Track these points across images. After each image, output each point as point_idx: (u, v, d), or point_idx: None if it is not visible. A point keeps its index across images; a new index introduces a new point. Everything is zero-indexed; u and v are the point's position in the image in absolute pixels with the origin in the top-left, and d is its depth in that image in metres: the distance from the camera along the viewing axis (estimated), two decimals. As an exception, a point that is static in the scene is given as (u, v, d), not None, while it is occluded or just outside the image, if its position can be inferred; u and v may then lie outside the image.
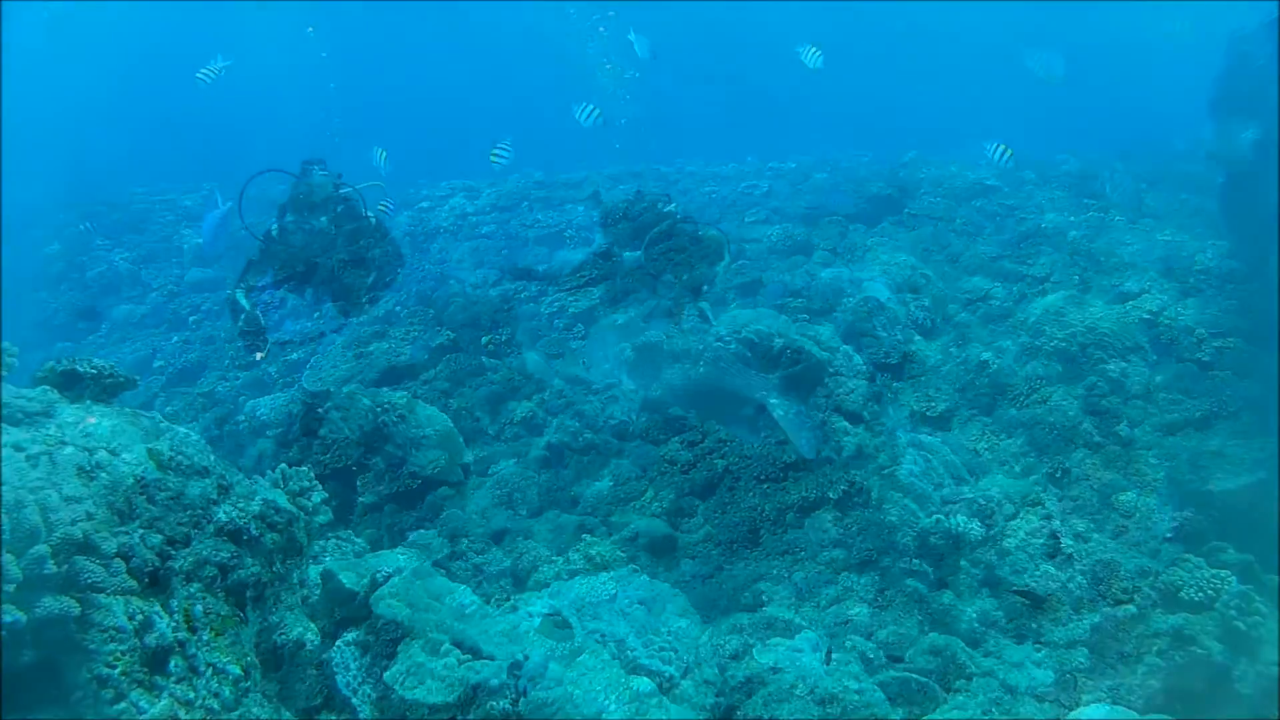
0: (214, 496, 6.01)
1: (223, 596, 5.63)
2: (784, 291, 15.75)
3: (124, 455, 5.64)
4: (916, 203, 19.19)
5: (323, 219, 9.87)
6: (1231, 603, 6.60)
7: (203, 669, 5.10)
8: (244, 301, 10.07)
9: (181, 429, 6.69)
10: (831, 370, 12.24)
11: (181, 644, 4.95)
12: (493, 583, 11.25)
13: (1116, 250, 16.54)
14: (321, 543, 11.58)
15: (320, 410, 11.87)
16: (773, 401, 11.65)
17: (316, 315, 13.62)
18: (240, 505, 6.09)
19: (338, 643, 7.05)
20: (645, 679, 7.74)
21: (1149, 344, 13.69)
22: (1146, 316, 14.05)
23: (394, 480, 11.77)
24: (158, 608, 4.95)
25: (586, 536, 11.26)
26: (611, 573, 10.36)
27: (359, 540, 11.42)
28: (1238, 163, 14.03)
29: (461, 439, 12.66)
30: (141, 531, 5.13)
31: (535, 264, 17.47)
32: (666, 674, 8.54)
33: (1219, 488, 10.05)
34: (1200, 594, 6.89)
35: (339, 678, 6.77)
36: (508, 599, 10.89)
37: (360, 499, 11.52)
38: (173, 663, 4.88)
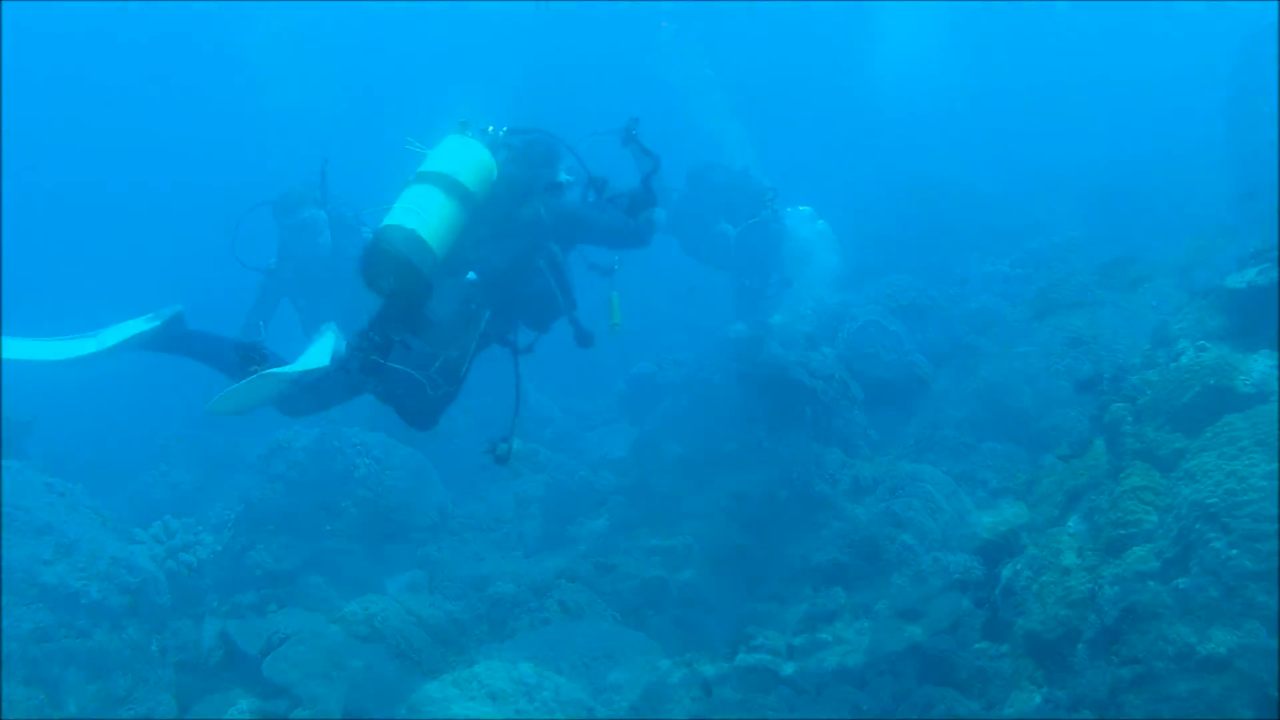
0: (46, 557, 4.84)
1: (21, 675, 4.47)
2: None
3: (-71, 510, 4.57)
4: None
5: (304, 213, 8.33)
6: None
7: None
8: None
9: (41, 477, 5.61)
10: (826, 398, 11.07)
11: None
12: (467, 632, 10.19)
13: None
14: (289, 588, 10.60)
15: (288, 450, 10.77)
16: (759, 434, 10.49)
17: None
18: (81, 566, 4.95)
19: (229, 711, 6.00)
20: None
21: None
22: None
23: (364, 524, 10.66)
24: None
25: (563, 582, 10.13)
26: (583, 622, 9.28)
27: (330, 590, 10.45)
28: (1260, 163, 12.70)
29: (438, 478, 11.53)
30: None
31: None
32: (625, 737, 7.38)
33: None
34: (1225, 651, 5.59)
35: (226, 755, 5.66)
36: (480, 645, 9.88)
37: (328, 544, 10.40)
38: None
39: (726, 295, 12.88)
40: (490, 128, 6.56)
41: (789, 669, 8.56)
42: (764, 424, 10.57)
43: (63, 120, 39.67)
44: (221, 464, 16.73)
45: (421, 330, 5.73)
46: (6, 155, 32.07)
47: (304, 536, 10.46)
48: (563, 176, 6.85)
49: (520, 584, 10.78)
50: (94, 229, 36.51)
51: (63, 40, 37.17)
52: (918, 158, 25.21)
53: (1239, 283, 7.70)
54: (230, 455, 17.11)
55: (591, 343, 6.79)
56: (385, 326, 5.76)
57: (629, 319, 7.06)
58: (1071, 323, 12.43)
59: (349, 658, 9.58)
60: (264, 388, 4.99)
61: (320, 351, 5.29)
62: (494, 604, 10.25)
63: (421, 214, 5.74)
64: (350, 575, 10.59)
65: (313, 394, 5.56)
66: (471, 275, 5.92)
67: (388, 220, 5.76)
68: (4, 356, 4.77)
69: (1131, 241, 16.37)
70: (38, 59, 36.59)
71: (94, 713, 4.82)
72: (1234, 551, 5.60)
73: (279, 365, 5.19)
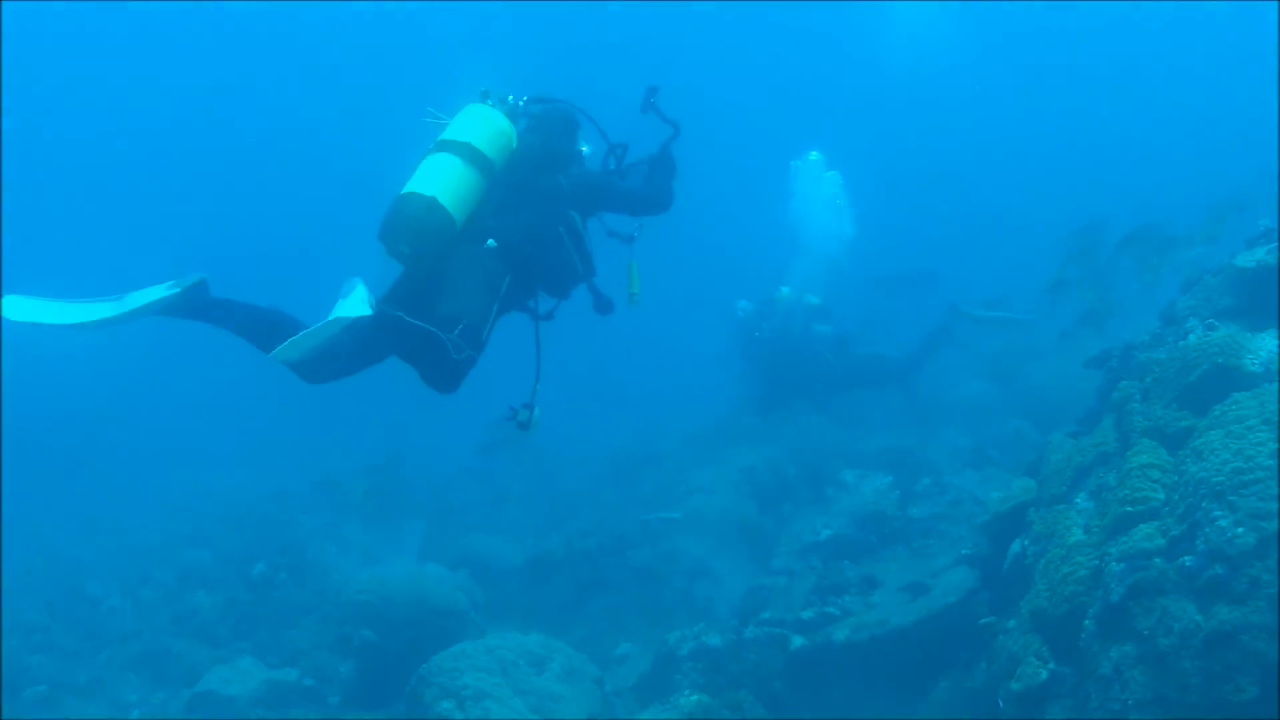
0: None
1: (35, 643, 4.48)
2: None
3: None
4: None
5: None
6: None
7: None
8: None
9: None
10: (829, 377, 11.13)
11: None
12: (476, 605, 10.25)
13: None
14: (299, 556, 10.68)
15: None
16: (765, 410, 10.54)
17: None
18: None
19: (240, 682, 6.03)
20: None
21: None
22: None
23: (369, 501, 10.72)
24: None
25: (571, 556, 10.20)
26: (592, 595, 9.36)
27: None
28: None
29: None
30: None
31: None
32: None
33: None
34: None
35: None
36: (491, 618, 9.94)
37: (333, 519, 10.46)
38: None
39: (737, 271, 12.94)
40: (510, 97, 6.61)
41: (798, 642, 8.58)
42: (769, 401, 10.63)
43: (70, 114, 39.62)
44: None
45: (442, 294, 5.80)
46: (18, 144, 32.06)
47: (310, 512, 10.50)
48: (582, 145, 6.91)
49: (528, 558, 10.84)
50: (109, 209, 36.52)
51: (71, 27, 36.99)
52: (935, 144, 25.10)
53: (1248, 261, 7.66)
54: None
55: (611, 310, 6.82)
56: (407, 291, 5.88)
57: (648, 289, 7.07)
58: (1086, 297, 12.31)
59: (358, 627, 9.63)
60: (328, 331, 5.06)
61: (359, 300, 5.32)
62: (502, 576, 10.30)
63: (441, 181, 5.81)
64: (357, 549, 10.65)
65: (339, 356, 5.59)
66: (491, 242, 5.96)
67: (407, 188, 5.83)
68: (11, 318, 4.72)
69: (1151, 216, 15.98)
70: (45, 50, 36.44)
71: (109, 677, 4.87)
72: (1240, 530, 5.60)
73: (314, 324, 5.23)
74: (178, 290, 5.17)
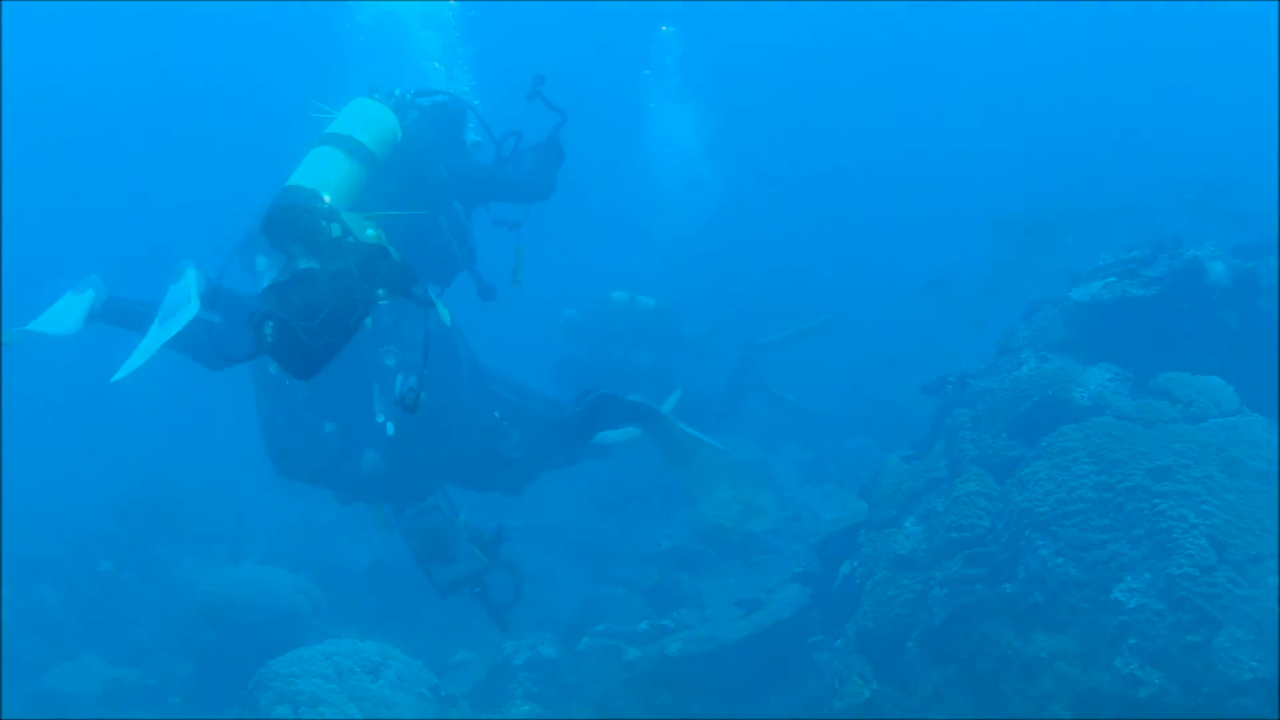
0: None
1: None
2: None
3: None
4: None
5: None
6: None
7: None
8: None
9: None
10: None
11: None
12: (318, 609, 9.90)
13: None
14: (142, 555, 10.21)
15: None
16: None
17: None
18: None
19: (81, 680, 5.69)
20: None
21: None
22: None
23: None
24: None
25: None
26: (433, 601, 9.10)
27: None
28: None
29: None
30: None
31: None
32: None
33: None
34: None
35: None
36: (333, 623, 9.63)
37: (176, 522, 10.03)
38: None
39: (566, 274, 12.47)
40: (397, 90, 6.54)
41: (632, 654, 8.44)
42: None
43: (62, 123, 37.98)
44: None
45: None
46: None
47: (163, 507, 10.07)
48: (470, 136, 6.84)
49: (372, 561, 10.57)
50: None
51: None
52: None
53: (1083, 296, 7.71)
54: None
55: (493, 296, 6.71)
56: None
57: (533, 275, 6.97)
58: (967, 296, 11.99)
59: (200, 628, 9.31)
60: (166, 335, 4.95)
61: (189, 291, 5.13)
62: (346, 579, 10.01)
63: (322, 174, 5.68)
64: (204, 547, 10.25)
65: (203, 346, 5.40)
66: (370, 232, 5.81)
67: (290, 181, 5.66)
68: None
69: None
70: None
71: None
72: (1060, 559, 5.60)
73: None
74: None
